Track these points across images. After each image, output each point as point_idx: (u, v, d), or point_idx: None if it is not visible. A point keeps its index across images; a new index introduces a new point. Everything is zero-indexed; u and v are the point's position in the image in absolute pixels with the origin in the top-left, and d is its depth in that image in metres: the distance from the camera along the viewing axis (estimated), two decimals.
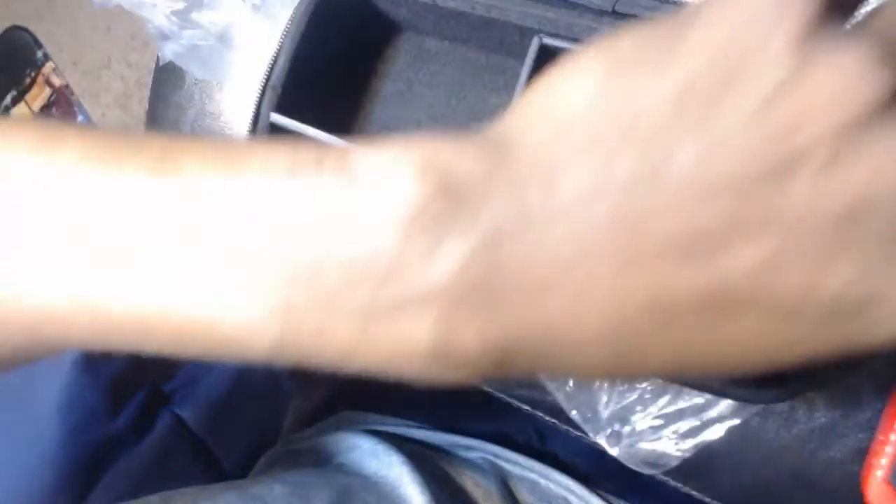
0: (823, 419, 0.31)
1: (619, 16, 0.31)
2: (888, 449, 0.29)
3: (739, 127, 0.15)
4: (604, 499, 0.49)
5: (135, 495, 0.61)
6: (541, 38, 0.32)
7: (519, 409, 0.55)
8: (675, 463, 0.31)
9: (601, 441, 0.33)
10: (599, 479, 0.50)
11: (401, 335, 0.16)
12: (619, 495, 0.50)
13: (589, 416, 0.33)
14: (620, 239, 0.16)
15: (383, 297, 0.16)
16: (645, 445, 0.32)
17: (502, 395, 0.37)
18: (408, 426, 0.54)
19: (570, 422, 0.34)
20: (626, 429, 0.32)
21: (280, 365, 0.17)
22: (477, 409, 0.56)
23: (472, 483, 0.48)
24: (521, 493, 0.49)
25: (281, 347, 0.17)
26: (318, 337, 0.16)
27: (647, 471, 0.32)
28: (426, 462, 0.48)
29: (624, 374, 0.17)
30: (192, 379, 0.69)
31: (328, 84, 0.37)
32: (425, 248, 0.16)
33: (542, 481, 0.50)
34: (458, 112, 0.39)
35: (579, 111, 0.16)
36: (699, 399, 0.31)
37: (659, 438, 0.31)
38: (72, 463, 0.54)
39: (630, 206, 0.15)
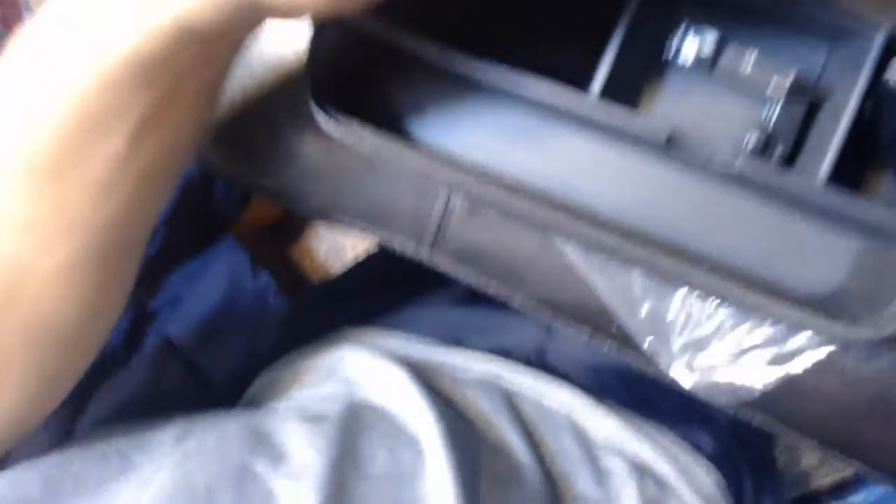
0: None
1: None
2: None
3: None
4: (607, 408, 0.50)
5: (127, 411, 0.58)
6: None
7: (518, 324, 0.55)
8: (756, 395, 0.31)
9: (674, 373, 0.32)
10: (600, 393, 0.51)
11: None
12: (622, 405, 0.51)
13: (661, 346, 0.32)
14: None
15: None
16: (722, 377, 0.31)
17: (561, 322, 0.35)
18: (409, 339, 0.53)
19: (637, 352, 0.33)
20: (702, 360, 0.31)
21: None
22: (477, 322, 0.55)
23: (474, 401, 0.47)
24: (524, 411, 0.49)
25: None
26: None
27: (723, 402, 0.32)
28: (429, 379, 0.47)
29: None
30: (176, 297, 0.67)
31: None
32: None
33: (545, 401, 0.50)
34: None
35: None
36: (779, 330, 0.30)
37: (739, 369, 0.31)
38: None
39: None
